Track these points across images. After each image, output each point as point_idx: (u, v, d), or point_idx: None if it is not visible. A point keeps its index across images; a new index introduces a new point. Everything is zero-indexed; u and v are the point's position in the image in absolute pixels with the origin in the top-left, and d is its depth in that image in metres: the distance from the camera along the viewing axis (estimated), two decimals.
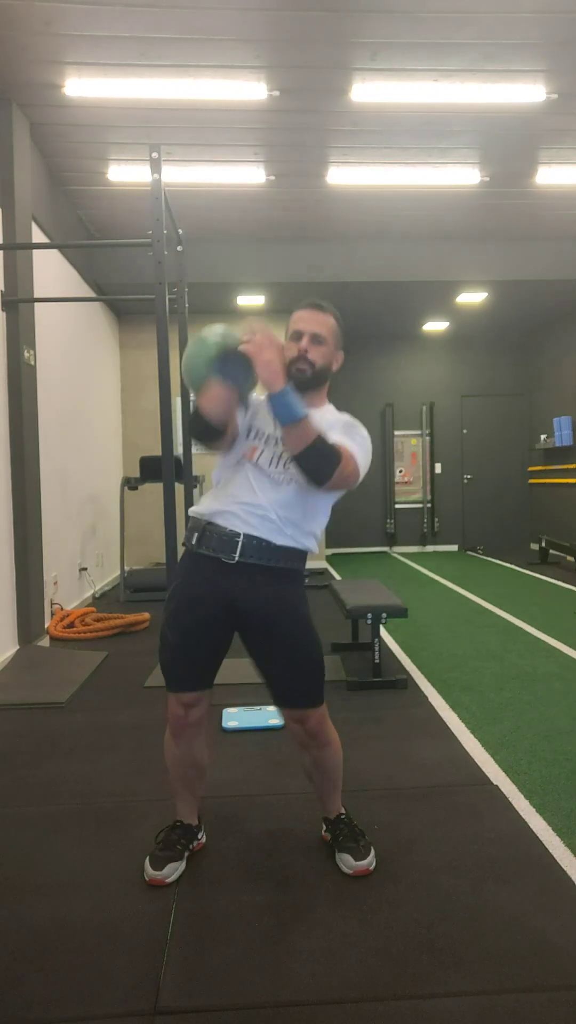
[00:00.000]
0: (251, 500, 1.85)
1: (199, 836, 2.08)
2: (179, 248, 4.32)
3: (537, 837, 2.12)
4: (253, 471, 1.87)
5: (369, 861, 1.94)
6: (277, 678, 1.92)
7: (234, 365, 1.79)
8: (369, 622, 3.62)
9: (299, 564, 1.93)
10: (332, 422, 1.92)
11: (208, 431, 1.84)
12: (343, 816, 2.05)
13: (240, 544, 1.83)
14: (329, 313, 1.94)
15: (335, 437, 1.84)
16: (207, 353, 1.83)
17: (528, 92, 4.38)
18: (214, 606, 1.87)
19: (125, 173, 5.37)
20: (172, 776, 2.03)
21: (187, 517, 2.05)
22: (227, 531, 1.85)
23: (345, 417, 1.97)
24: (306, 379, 1.89)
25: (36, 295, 4.67)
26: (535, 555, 8.57)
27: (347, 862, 1.95)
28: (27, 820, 2.29)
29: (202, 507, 1.92)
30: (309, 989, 1.52)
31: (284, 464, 1.85)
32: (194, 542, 1.89)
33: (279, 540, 1.86)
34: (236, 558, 1.84)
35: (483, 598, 6.09)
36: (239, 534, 1.84)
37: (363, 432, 1.94)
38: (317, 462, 1.76)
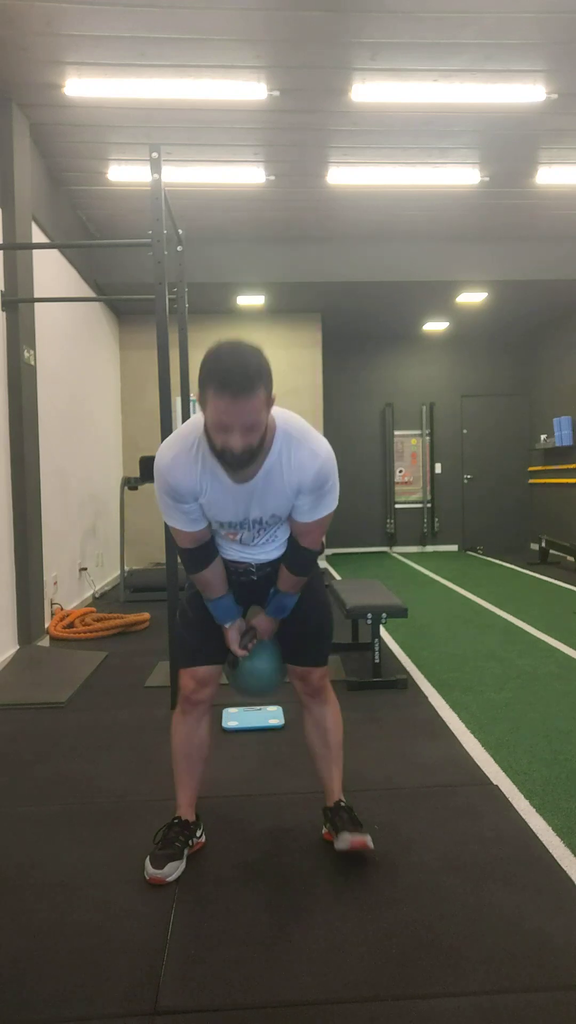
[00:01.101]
0: (250, 557, 1.96)
1: (198, 835, 2.08)
2: (179, 248, 4.32)
3: (537, 837, 2.11)
4: (239, 545, 1.95)
5: (368, 838, 1.95)
6: (294, 636, 2.03)
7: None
8: (369, 622, 3.62)
9: None
10: (297, 487, 1.75)
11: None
12: (343, 803, 2.06)
13: (255, 569, 1.98)
14: (255, 388, 1.56)
15: (303, 513, 1.80)
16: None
17: (528, 92, 4.38)
18: (237, 582, 2.00)
19: (125, 173, 5.37)
20: (176, 759, 2.06)
21: None
22: (240, 564, 1.97)
23: (311, 473, 1.73)
24: (245, 462, 1.66)
25: (36, 295, 4.67)
26: (535, 555, 8.57)
27: (344, 838, 1.95)
28: (27, 820, 2.29)
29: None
30: (309, 989, 1.52)
31: (267, 536, 1.92)
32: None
33: (273, 558, 2.00)
34: (256, 578, 2.00)
35: (483, 598, 6.09)
36: (252, 565, 1.97)
37: (333, 481, 1.79)
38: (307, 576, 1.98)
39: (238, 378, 1.55)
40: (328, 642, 2.08)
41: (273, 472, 1.74)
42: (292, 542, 1.91)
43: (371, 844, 1.95)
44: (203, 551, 1.89)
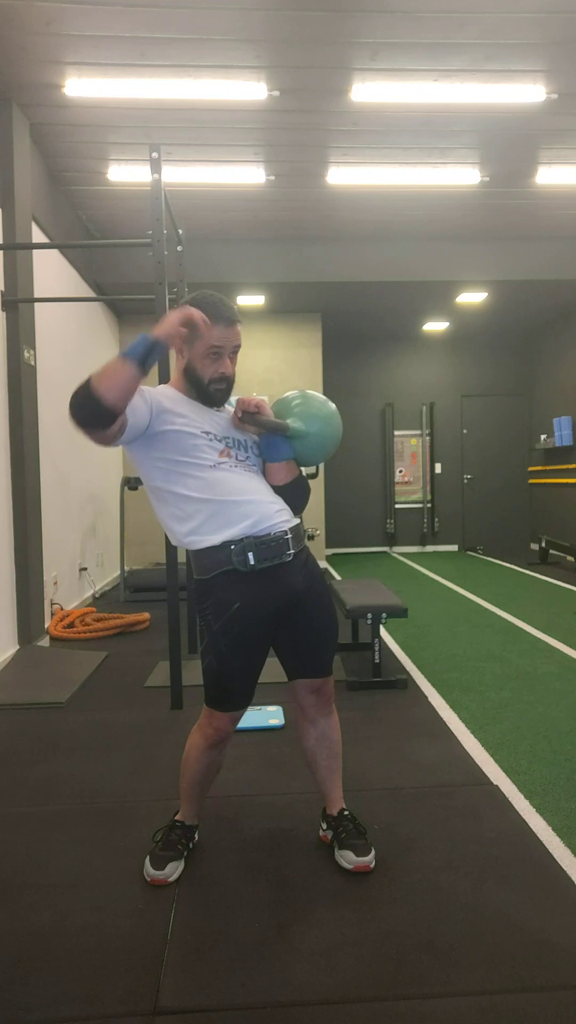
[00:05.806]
0: (267, 497, 1.91)
1: (195, 836, 2.08)
2: (179, 248, 4.32)
3: (537, 837, 2.12)
4: (238, 472, 1.89)
5: (370, 859, 1.94)
6: (316, 648, 1.99)
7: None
8: (369, 622, 3.62)
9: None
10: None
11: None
12: (346, 812, 2.05)
13: (290, 539, 1.89)
14: (240, 320, 1.89)
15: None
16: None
17: (528, 92, 4.38)
18: (275, 613, 1.90)
19: (125, 173, 5.37)
20: (194, 782, 2.00)
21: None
22: (278, 534, 1.87)
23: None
24: (223, 393, 1.92)
25: (36, 295, 4.67)
26: (535, 555, 8.57)
27: (348, 858, 1.94)
28: (27, 820, 2.29)
29: (229, 529, 1.84)
30: (309, 989, 1.52)
31: (249, 459, 1.95)
32: (252, 561, 1.83)
33: (296, 519, 1.97)
34: (292, 552, 1.89)
35: (483, 598, 6.09)
36: (286, 531, 1.89)
37: None
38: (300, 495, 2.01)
39: (231, 310, 1.87)
40: (336, 647, 2.07)
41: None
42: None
43: (372, 866, 1.94)
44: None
